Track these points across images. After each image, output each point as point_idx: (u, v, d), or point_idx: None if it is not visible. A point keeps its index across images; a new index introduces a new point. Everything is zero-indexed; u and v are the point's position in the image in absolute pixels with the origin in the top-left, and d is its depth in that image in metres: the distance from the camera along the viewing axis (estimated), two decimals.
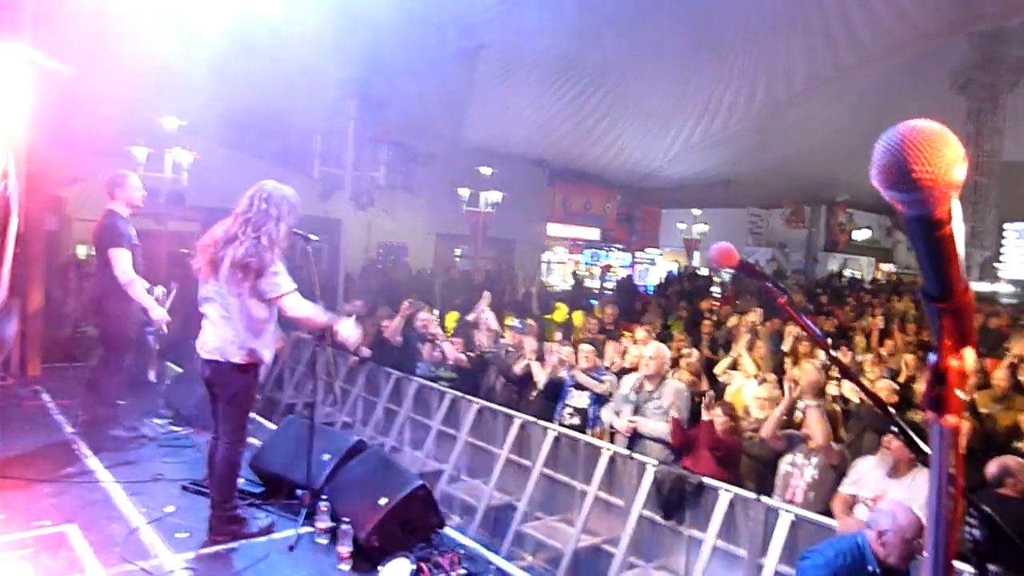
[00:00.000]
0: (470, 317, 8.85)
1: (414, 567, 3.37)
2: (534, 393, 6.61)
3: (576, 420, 6.08)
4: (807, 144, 19.66)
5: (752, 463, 5.47)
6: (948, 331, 0.78)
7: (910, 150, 0.69)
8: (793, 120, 19.24)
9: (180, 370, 7.04)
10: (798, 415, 5.55)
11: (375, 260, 17.53)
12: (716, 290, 17.56)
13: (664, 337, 8.88)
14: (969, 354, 0.78)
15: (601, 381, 6.14)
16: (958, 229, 0.74)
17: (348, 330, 3.83)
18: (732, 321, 8.69)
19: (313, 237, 4.18)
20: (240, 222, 3.69)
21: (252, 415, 5.29)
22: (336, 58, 10.29)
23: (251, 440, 5.54)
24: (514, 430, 6.29)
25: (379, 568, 3.43)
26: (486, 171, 15.41)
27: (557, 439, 6.00)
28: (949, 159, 0.69)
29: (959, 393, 0.79)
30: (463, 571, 3.56)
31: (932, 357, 0.80)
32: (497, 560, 3.99)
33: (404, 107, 14.58)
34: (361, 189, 11.93)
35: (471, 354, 7.65)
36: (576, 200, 22.75)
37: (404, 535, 3.78)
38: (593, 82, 17.86)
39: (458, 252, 19.87)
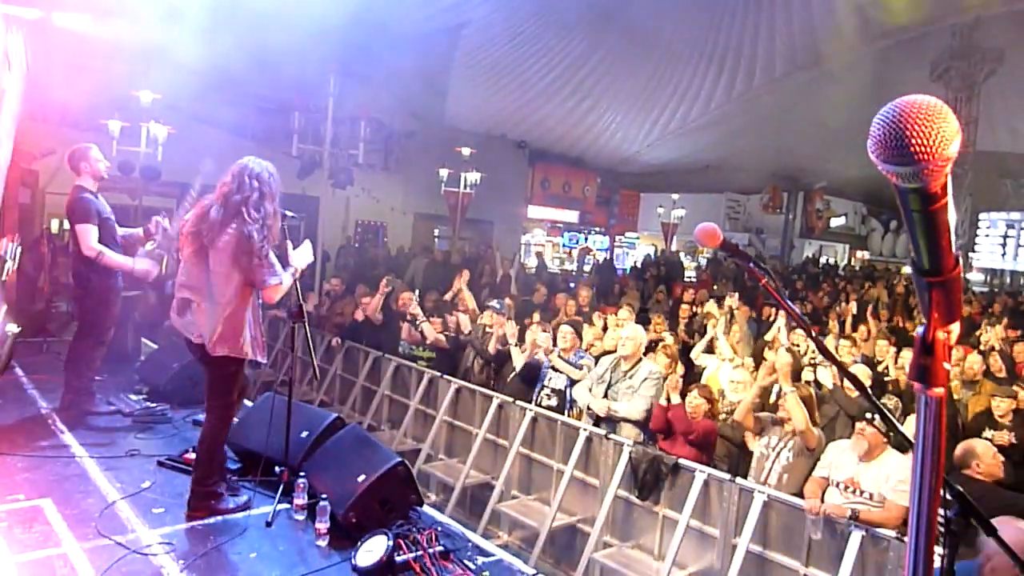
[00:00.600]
0: (447, 297, 8.84)
1: (391, 543, 3.38)
2: (511, 375, 6.64)
3: (554, 401, 6.12)
4: (785, 131, 19.79)
5: (727, 445, 5.56)
6: (937, 305, 0.80)
7: (908, 124, 0.70)
8: (772, 107, 19.35)
9: (155, 346, 6.97)
10: (772, 398, 5.64)
11: (353, 239, 17.42)
12: (692, 274, 17.68)
13: (641, 320, 8.95)
14: (956, 328, 0.80)
15: (579, 366, 6.16)
16: (950, 203, 0.75)
17: None
18: (709, 306, 8.76)
19: (290, 214, 4.14)
20: (233, 203, 3.58)
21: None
22: (317, 35, 10.14)
23: None
24: (492, 410, 6.32)
25: (357, 544, 3.44)
26: (466, 151, 15.32)
27: (534, 419, 6.04)
28: (946, 134, 0.70)
29: (946, 365, 0.81)
30: (440, 548, 3.58)
31: (920, 329, 0.81)
32: (474, 538, 4.01)
33: (385, 85, 14.43)
34: (340, 167, 11.78)
35: (449, 334, 7.65)
36: (556, 182, 22.73)
37: (382, 512, 3.79)
38: (574, 64, 17.81)
39: (437, 232, 19.79)
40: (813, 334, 1.68)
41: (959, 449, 4.30)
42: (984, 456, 4.19)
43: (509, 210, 20.82)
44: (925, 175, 0.71)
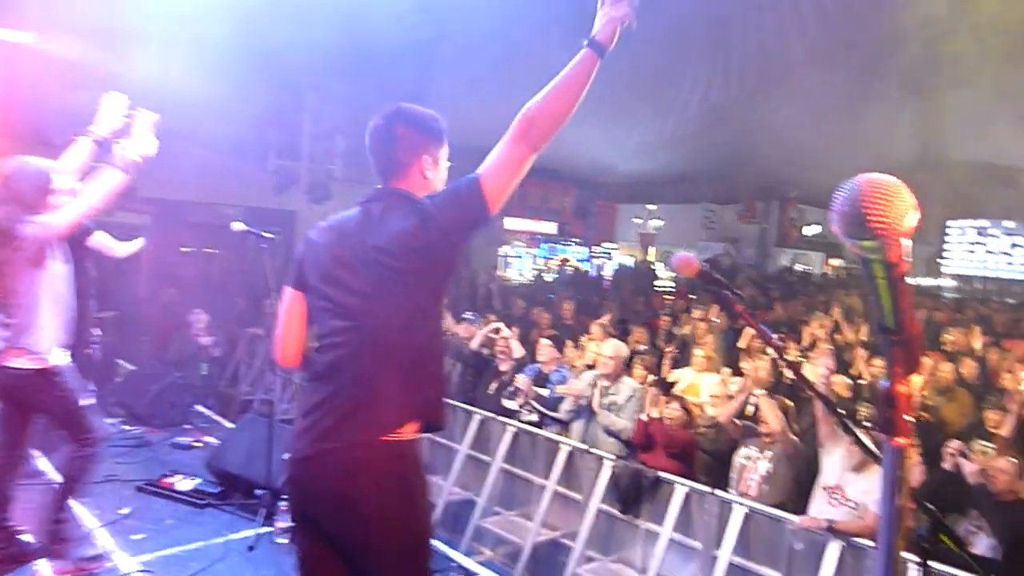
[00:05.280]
0: None
1: None
2: (493, 387, 6.66)
3: (534, 416, 6.14)
4: (760, 142, 20.02)
5: (707, 457, 5.62)
6: (899, 360, 0.84)
7: (867, 202, 0.75)
8: (747, 119, 19.57)
9: (132, 367, 6.91)
10: (750, 410, 5.71)
11: None
12: (671, 285, 17.81)
13: (621, 332, 9.01)
14: (917, 380, 0.85)
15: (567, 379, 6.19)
16: (909, 270, 0.80)
17: None
18: (689, 319, 8.85)
19: (268, 235, 4.14)
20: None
21: (198, 409, 5.24)
22: (293, 47, 10.14)
23: (208, 439, 5.48)
24: (473, 426, 6.33)
25: None
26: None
27: (516, 434, 6.06)
28: (902, 209, 0.75)
29: (907, 417, 0.85)
30: None
31: (884, 383, 0.86)
32: (457, 556, 4.03)
33: (362, 98, 14.42)
34: (317, 182, 11.78)
35: None
36: (534, 194, 22.81)
37: None
38: (548, 75, 17.90)
39: None
40: (784, 356, 1.73)
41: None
42: None
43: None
44: (885, 247, 0.76)
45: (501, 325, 6.87)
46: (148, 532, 3.81)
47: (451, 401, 6.76)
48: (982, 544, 4.40)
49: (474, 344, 7.08)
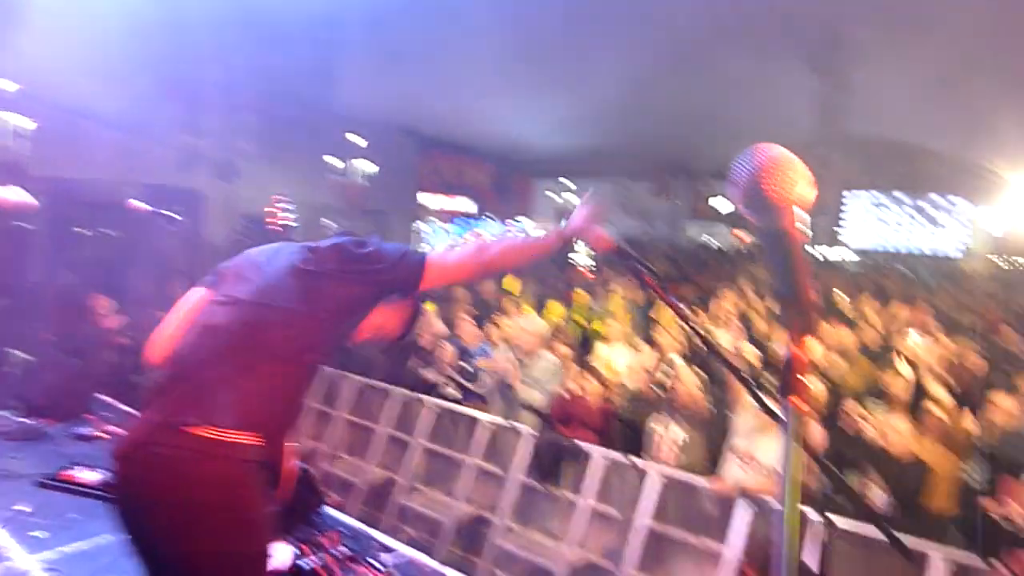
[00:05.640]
0: None
1: (296, 550, 3.33)
2: (413, 363, 6.63)
3: (455, 392, 6.15)
4: (673, 118, 20.45)
5: (624, 427, 5.76)
6: (795, 325, 0.88)
7: (762, 173, 0.78)
8: (659, 94, 19.94)
9: (28, 357, 6.53)
10: (665, 380, 5.88)
11: (239, 233, 16.76)
12: (588, 260, 18.04)
13: (539, 307, 9.10)
14: (813, 344, 0.89)
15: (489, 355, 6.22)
16: (803, 239, 0.84)
17: None
18: (604, 291, 9.02)
19: (170, 214, 3.96)
20: None
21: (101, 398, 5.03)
22: (195, 18, 9.67)
23: (113, 429, 5.25)
24: (394, 405, 6.30)
25: None
26: (357, 140, 15.05)
27: (436, 412, 6.06)
28: (795, 180, 0.78)
29: (802, 378, 0.90)
30: (346, 550, 3.56)
31: (782, 347, 0.90)
32: (379, 536, 4.01)
33: (270, 73, 13.93)
34: (225, 160, 11.35)
35: None
36: (449, 170, 22.67)
37: (285, 519, 3.72)
38: (464, 51, 17.75)
39: (328, 224, 19.34)
40: (694, 327, 1.79)
41: None
42: None
43: (402, 199, 20.62)
44: (780, 218, 0.79)
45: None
46: (50, 528, 3.63)
47: (371, 381, 6.70)
48: (878, 498, 4.69)
49: None
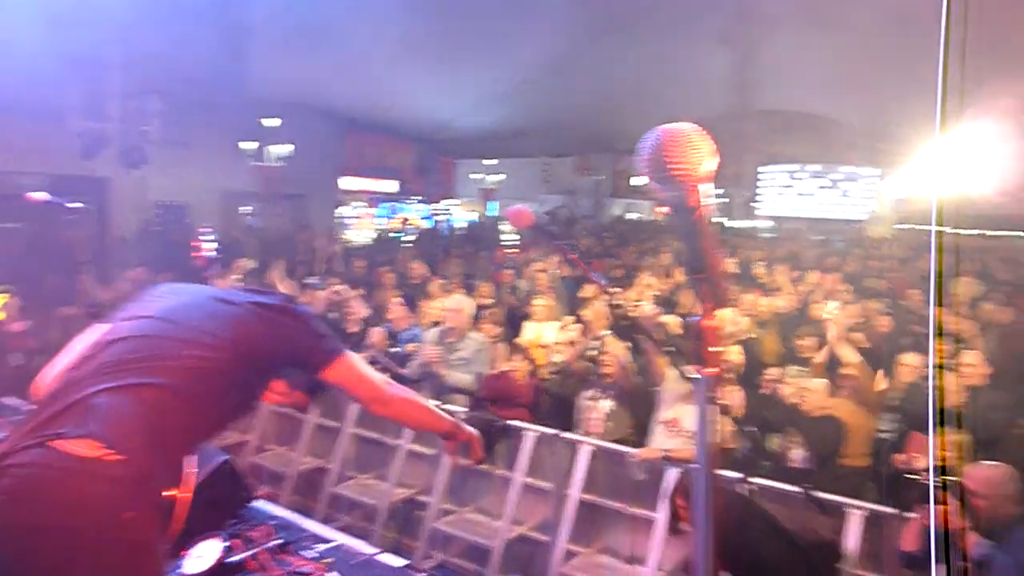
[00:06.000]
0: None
1: (226, 544, 3.26)
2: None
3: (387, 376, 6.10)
4: (592, 95, 20.64)
5: (554, 402, 5.84)
6: (706, 296, 0.91)
7: (667, 149, 0.80)
8: (578, 72, 20.07)
9: None
10: (594, 353, 5.97)
11: (152, 222, 16.11)
12: (515, 238, 18.11)
13: (467, 288, 9.09)
14: (725, 314, 0.92)
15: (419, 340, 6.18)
16: (711, 212, 0.86)
17: None
18: (530, 270, 9.07)
19: (74, 204, 3.77)
20: None
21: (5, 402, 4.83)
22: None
23: None
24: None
25: (186, 553, 3.28)
26: (273, 122, 14.63)
27: None
28: (700, 155, 0.80)
29: (716, 348, 0.93)
30: (277, 541, 3.50)
31: (693, 318, 0.93)
32: (312, 525, 3.95)
33: (176, 52, 13.37)
34: (130, 145, 10.85)
35: None
36: (371, 152, 22.31)
37: (212, 514, 3.63)
38: (382, 28, 17.44)
39: (245, 209, 18.79)
40: (617, 301, 1.82)
41: None
42: None
43: (323, 183, 20.20)
44: (685, 191, 0.81)
45: (342, 287, 6.76)
46: None
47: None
48: (798, 457, 4.90)
49: (319, 309, 6.91)
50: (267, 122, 14.63)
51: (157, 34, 12.03)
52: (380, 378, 2.25)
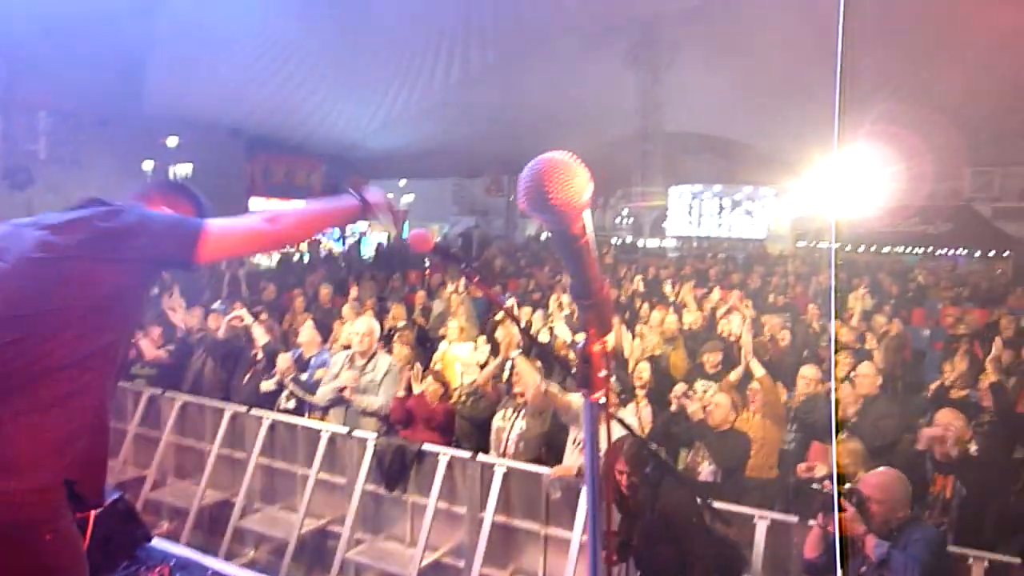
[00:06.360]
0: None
1: None
2: (247, 377, 6.31)
3: (292, 404, 5.92)
4: (502, 116, 20.86)
5: (467, 425, 5.79)
6: (592, 323, 0.91)
7: (546, 180, 0.80)
8: (489, 93, 20.27)
9: None
10: (506, 375, 5.97)
11: None
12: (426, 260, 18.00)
13: (380, 310, 8.95)
14: (611, 339, 0.92)
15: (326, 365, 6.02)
16: (592, 241, 0.86)
17: None
18: (443, 291, 9.02)
19: None
20: None
21: None
22: None
23: None
24: (224, 423, 5.96)
25: None
26: (173, 141, 14.11)
27: (272, 426, 5.80)
28: (578, 186, 0.81)
29: (601, 373, 0.92)
30: None
31: (580, 344, 0.93)
32: (214, 563, 3.77)
33: (67, 70, 12.74)
34: (16, 166, 10.23)
35: (170, 347, 7.02)
36: (278, 171, 21.81)
37: (104, 556, 3.41)
38: (289, 46, 17.15)
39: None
40: (520, 324, 1.81)
41: None
42: None
43: (228, 203, 19.49)
44: (565, 221, 0.81)
45: (243, 312, 6.53)
46: None
47: (201, 399, 6.31)
48: (705, 470, 5.02)
49: (220, 334, 6.66)
50: (168, 140, 14.10)
51: (45, 50, 11.45)
52: (256, 221, 2.05)
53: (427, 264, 16.15)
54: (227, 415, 5.96)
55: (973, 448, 4.32)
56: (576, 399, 4.92)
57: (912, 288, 13.02)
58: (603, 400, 0.94)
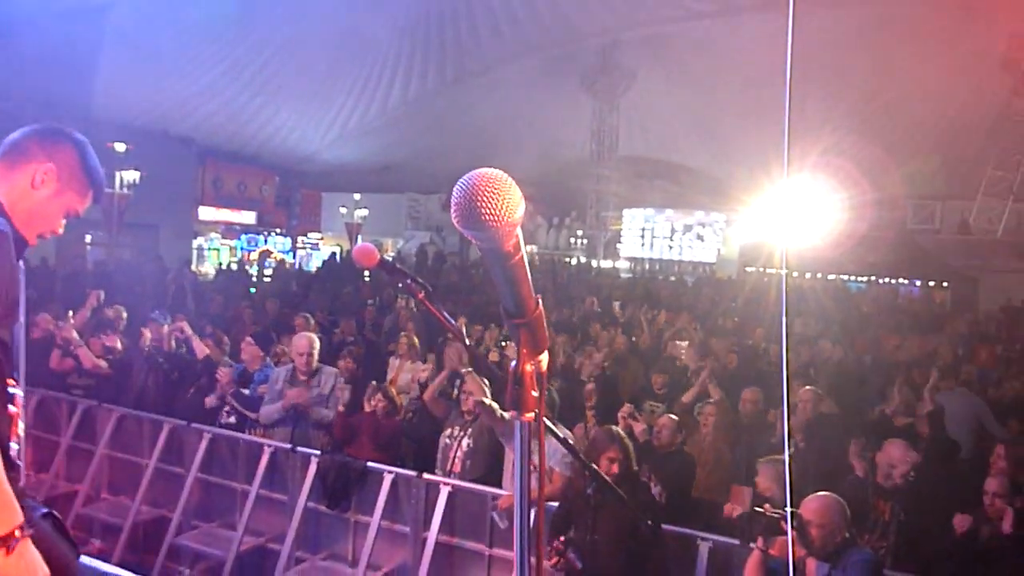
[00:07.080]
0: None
1: None
2: (192, 391, 6.16)
3: (233, 419, 5.79)
4: (460, 133, 20.96)
5: (413, 442, 5.74)
6: (524, 342, 0.91)
7: (478, 197, 0.80)
8: (446, 110, 20.35)
9: None
10: (454, 392, 5.93)
11: None
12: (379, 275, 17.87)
13: (330, 324, 8.85)
14: (545, 358, 0.92)
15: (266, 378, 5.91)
16: (524, 258, 0.86)
17: None
18: (395, 306, 8.96)
19: None
20: None
21: None
22: None
23: None
24: (163, 437, 5.79)
25: None
26: (120, 147, 13.78)
27: (213, 440, 5.66)
28: (511, 203, 0.81)
29: (534, 393, 0.93)
30: None
31: (512, 363, 0.93)
32: None
33: (10, 72, 12.37)
34: None
35: (111, 357, 6.80)
36: (229, 181, 21.48)
37: None
38: (244, 58, 16.97)
39: (89, 240, 17.48)
40: (466, 342, 1.81)
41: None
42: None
43: (177, 213, 19.19)
44: (497, 238, 0.81)
45: (184, 324, 6.39)
46: None
47: (132, 411, 6.13)
48: (652, 491, 5.04)
49: (164, 345, 6.50)
50: (116, 146, 13.76)
51: None
52: None
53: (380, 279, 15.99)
54: (166, 429, 5.79)
55: (911, 474, 4.42)
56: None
57: (855, 315, 13.40)
58: (535, 420, 0.94)
